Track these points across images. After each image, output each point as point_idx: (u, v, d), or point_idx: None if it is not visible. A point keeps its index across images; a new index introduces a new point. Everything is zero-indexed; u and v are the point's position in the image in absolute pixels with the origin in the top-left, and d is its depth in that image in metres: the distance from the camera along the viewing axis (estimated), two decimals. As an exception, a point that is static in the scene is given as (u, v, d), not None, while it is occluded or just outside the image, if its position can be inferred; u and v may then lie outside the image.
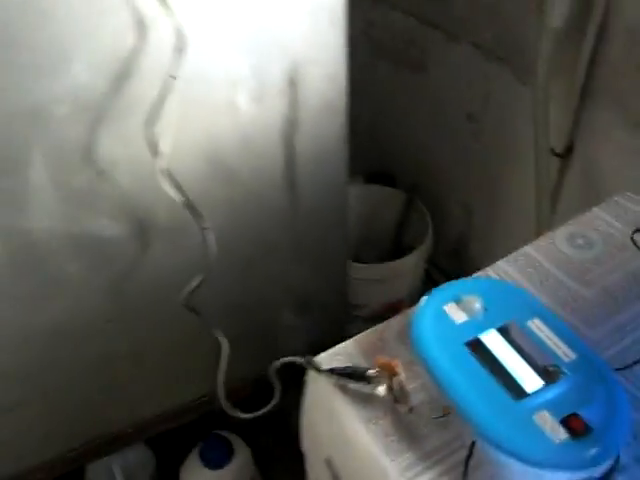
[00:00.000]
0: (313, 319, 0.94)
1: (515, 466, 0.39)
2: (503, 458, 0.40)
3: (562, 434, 0.39)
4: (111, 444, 0.96)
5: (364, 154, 1.47)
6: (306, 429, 0.56)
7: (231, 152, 0.71)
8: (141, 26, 0.56)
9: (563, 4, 0.74)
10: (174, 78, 0.55)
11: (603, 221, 0.64)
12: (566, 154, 0.95)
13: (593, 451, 0.39)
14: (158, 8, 0.55)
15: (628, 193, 0.67)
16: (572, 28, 0.81)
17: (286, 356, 0.52)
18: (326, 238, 0.88)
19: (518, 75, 0.98)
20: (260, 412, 0.62)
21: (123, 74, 0.59)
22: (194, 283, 0.65)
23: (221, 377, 0.66)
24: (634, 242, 0.56)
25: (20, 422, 0.83)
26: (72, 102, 0.59)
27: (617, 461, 0.42)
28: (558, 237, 0.63)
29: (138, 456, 1.16)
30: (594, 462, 0.38)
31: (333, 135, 0.78)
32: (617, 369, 0.47)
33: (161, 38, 0.57)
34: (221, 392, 0.65)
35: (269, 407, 0.62)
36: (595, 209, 0.66)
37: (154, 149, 0.57)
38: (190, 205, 0.62)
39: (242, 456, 1.09)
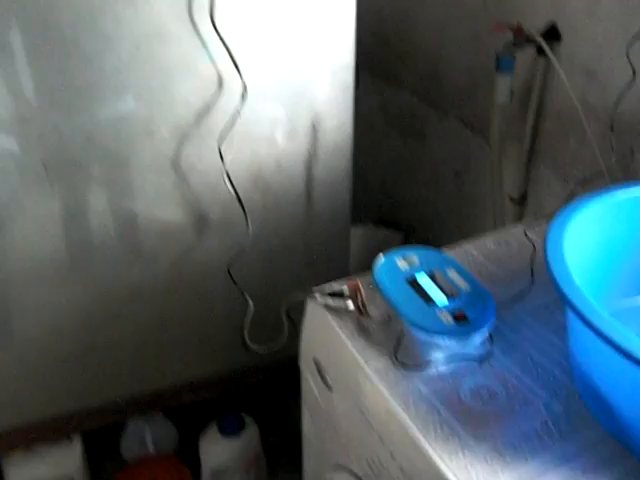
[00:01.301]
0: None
1: (424, 338, 0.67)
2: (418, 334, 0.67)
3: (451, 320, 0.67)
4: (149, 403, 1.22)
5: (375, 205, 1.79)
6: (302, 343, 0.83)
7: (268, 171, 1.02)
8: (220, 79, 0.90)
9: (506, 88, 1.06)
10: (239, 114, 0.88)
11: (520, 232, 0.93)
12: (521, 201, 1.24)
13: (467, 329, 0.66)
14: (232, 70, 0.88)
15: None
16: (517, 105, 1.13)
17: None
18: (331, 247, 1.18)
19: (488, 141, 1.29)
20: (274, 348, 0.89)
21: (205, 109, 0.92)
22: (235, 253, 0.95)
23: (247, 322, 0.94)
24: (526, 235, 0.84)
25: (92, 364, 1.11)
26: (171, 125, 0.92)
27: (489, 353, 0.69)
28: (489, 239, 0.92)
29: (164, 427, 1.42)
30: (466, 334, 0.66)
31: (341, 168, 1.09)
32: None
33: (231, 88, 0.90)
34: (246, 333, 0.93)
35: (280, 343, 0.88)
36: (519, 225, 0.96)
37: (222, 158, 0.89)
38: (240, 200, 0.92)
39: (252, 430, 1.34)
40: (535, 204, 1.24)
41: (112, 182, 0.96)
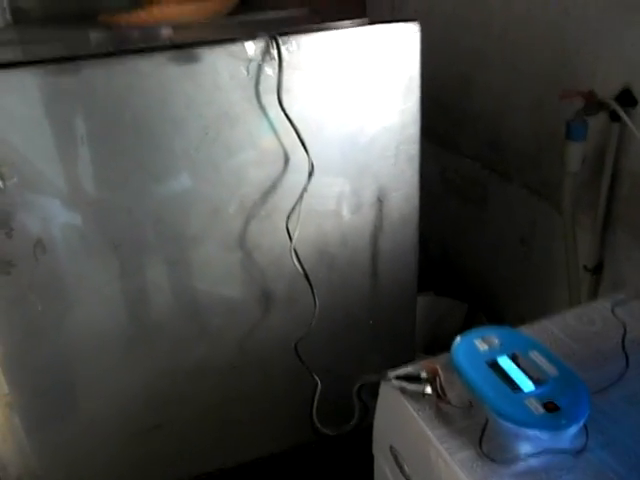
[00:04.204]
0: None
1: (512, 429, 0.62)
2: (505, 425, 0.62)
3: (541, 410, 0.62)
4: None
5: (436, 273, 1.75)
6: (376, 429, 0.79)
7: (334, 246, 1.01)
8: (287, 158, 0.90)
9: (578, 156, 1.03)
10: (306, 191, 0.88)
11: (603, 307, 0.87)
12: (597, 270, 1.18)
13: (560, 421, 0.61)
14: (298, 148, 0.88)
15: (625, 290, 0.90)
16: (589, 171, 1.09)
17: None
18: (397, 320, 1.14)
19: (556, 207, 1.25)
20: (345, 429, 0.85)
21: (271, 186, 0.92)
22: (302, 333, 0.93)
23: (315, 404, 0.90)
24: (614, 313, 0.78)
25: (154, 443, 1.09)
26: (238, 203, 0.93)
27: (584, 446, 0.63)
28: (569, 315, 0.87)
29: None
30: (560, 427, 0.60)
31: (407, 240, 1.07)
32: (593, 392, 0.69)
33: (297, 165, 0.91)
34: (314, 414, 0.89)
35: (352, 424, 0.84)
36: (600, 299, 0.90)
37: (289, 235, 0.89)
38: (307, 276, 0.91)
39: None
40: (612, 272, 1.17)
41: (179, 261, 0.96)
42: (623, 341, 0.76)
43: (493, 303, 1.54)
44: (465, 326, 1.53)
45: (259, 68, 0.83)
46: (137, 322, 0.99)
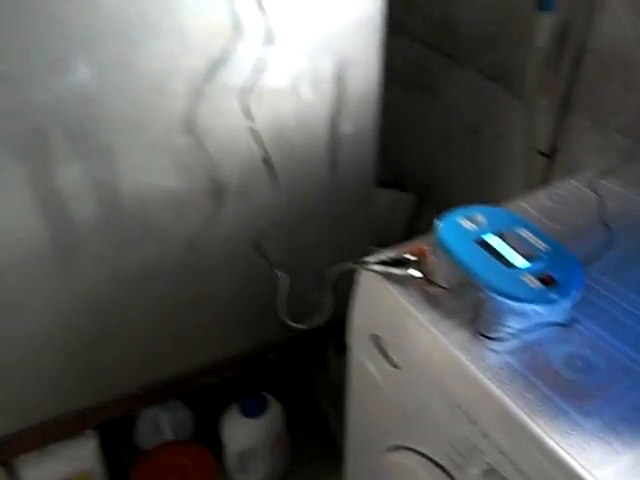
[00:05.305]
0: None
1: (509, 306, 0.59)
2: (502, 302, 0.59)
3: (538, 284, 0.59)
4: (167, 390, 1.12)
5: (378, 165, 1.69)
6: (354, 320, 0.75)
7: (292, 129, 0.92)
8: (239, 22, 0.78)
9: (548, 29, 0.97)
10: (265, 62, 0.77)
11: (572, 186, 0.85)
12: (551, 154, 1.17)
13: (558, 294, 0.59)
14: (253, 11, 0.77)
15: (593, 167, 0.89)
16: (554, 51, 1.04)
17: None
18: (355, 211, 1.09)
19: (512, 91, 1.20)
20: (313, 323, 0.80)
21: (221, 58, 0.80)
22: (263, 225, 0.86)
23: (282, 298, 0.85)
24: (591, 189, 0.77)
25: (104, 355, 1.01)
26: (183, 79, 0.80)
27: (575, 319, 0.62)
28: (541, 194, 0.84)
29: (179, 412, 1.33)
30: (559, 300, 0.58)
31: (367, 123, 0.99)
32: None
33: (251, 34, 0.79)
34: (281, 310, 0.84)
35: (321, 319, 0.80)
36: (567, 179, 0.88)
37: (249, 115, 0.79)
38: (267, 160, 0.82)
39: (275, 410, 1.26)
40: (566, 157, 1.16)
41: (116, 149, 0.84)
42: (602, 215, 0.74)
43: (441, 194, 1.52)
44: (413, 218, 1.51)
45: None
46: (70, 224, 0.88)
